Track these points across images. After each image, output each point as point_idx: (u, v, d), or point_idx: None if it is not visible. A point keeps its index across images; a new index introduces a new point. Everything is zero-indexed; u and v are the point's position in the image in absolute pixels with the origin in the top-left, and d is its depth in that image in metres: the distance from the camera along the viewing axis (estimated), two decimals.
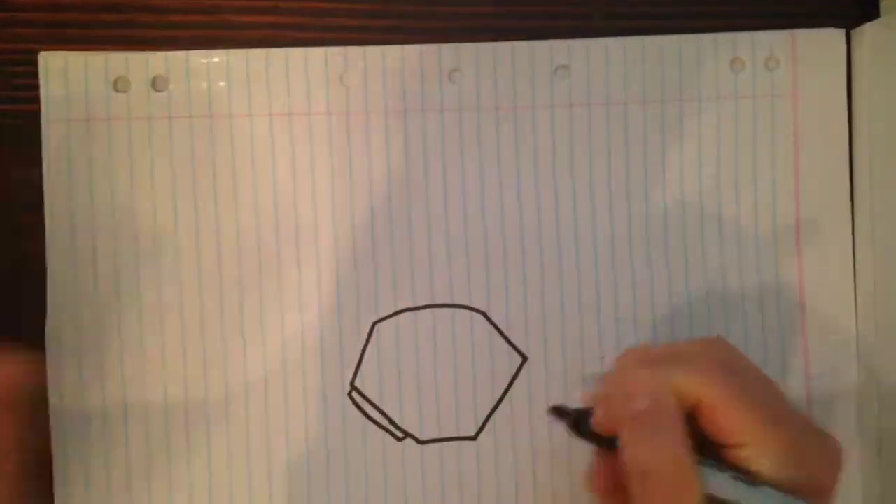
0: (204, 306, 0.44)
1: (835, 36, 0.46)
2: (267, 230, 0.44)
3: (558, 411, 0.40)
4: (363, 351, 0.44)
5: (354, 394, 0.44)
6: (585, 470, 0.40)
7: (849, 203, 0.46)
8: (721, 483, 0.35)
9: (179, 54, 0.44)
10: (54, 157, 0.44)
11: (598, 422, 0.38)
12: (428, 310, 0.45)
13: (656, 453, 0.35)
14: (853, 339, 0.46)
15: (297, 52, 0.44)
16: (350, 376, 0.44)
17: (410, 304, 0.45)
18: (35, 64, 0.44)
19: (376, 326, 0.45)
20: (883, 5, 0.46)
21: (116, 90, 0.44)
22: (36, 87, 0.44)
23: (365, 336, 0.44)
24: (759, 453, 0.35)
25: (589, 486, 0.40)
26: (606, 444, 0.38)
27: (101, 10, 0.45)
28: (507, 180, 0.45)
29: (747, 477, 0.35)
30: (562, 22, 0.46)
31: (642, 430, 0.36)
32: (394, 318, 0.45)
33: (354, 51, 0.44)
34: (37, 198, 0.44)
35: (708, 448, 0.36)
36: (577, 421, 0.40)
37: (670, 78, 0.45)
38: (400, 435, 0.45)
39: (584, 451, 0.44)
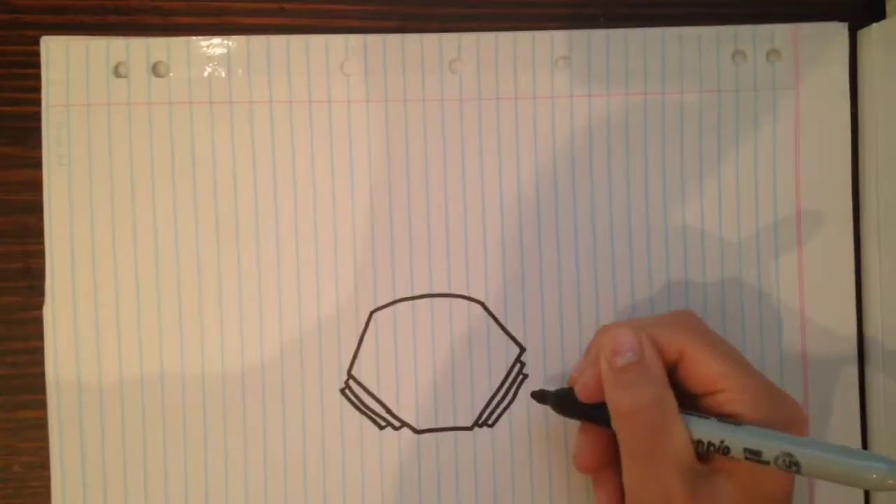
0: (201, 293, 0.44)
1: (837, 30, 0.46)
2: (265, 218, 0.44)
3: (541, 394, 0.43)
4: (360, 340, 0.44)
5: (352, 382, 0.44)
6: (574, 450, 0.42)
7: (850, 197, 0.46)
8: (707, 426, 0.37)
9: (180, 40, 0.44)
10: (54, 141, 0.44)
11: (583, 389, 0.40)
12: (426, 299, 0.45)
13: (639, 397, 0.37)
14: (853, 334, 0.46)
15: (298, 40, 0.44)
16: (347, 365, 0.44)
17: (408, 294, 0.45)
18: (38, 66, 0.44)
19: (374, 315, 0.44)
20: (889, 6, 0.46)
21: (117, 75, 0.44)
22: (37, 90, 0.44)
23: (363, 325, 0.44)
24: (737, 397, 0.38)
25: (575, 464, 0.42)
26: (591, 416, 0.40)
27: (107, 11, 0.45)
28: (507, 170, 0.45)
29: (729, 419, 0.37)
30: (566, 23, 0.46)
31: (625, 379, 0.38)
32: (391, 307, 0.45)
33: (355, 39, 0.45)
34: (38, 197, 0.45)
35: (687, 404, 0.39)
36: (560, 399, 0.42)
37: (671, 69, 0.45)
38: (397, 424, 0.44)
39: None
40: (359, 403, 0.44)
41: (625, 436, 0.38)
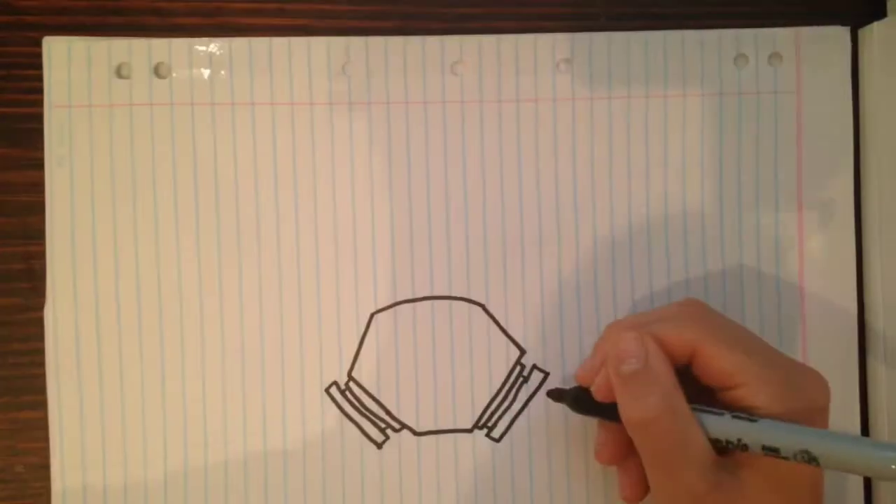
0: (202, 294, 0.44)
1: (839, 33, 0.46)
2: (266, 219, 0.44)
3: (556, 393, 0.43)
4: (361, 342, 0.44)
5: (352, 384, 0.44)
6: (595, 444, 0.42)
7: (852, 200, 0.46)
8: (722, 423, 0.37)
9: (182, 41, 0.44)
10: (56, 142, 0.44)
11: (598, 390, 0.40)
12: (426, 301, 0.45)
13: (649, 407, 0.37)
14: (854, 339, 0.46)
15: (299, 42, 0.44)
16: (348, 367, 0.44)
17: (409, 296, 0.45)
18: (39, 67, 0.44)
19: (375, 317, 0.44)
20: (890, 5, 0.46)
21: (119, 76, 0.44)
22: (39, 91, 0.44)
23: (363, 327, 0.44)
24: (755, 390, 0.37)
25: (597, 457, 0.42)
26: (609, 414, 0.40)
27: (106, 12, 0.45)
28: (509, 173, 0.45)
29: (746, 414, 0.37)
30: (568, 23, 0.46)
31: (633, 388, 0.38)
32: (392, 310, 0.45)
33: (357, 41, 0.45)
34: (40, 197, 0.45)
35: (705, 396, 0.39)
36: (577, 398, 0.42)
37: (673, 72, 0.45)
38: (397, 426, 0.44)
39: (579, 442, 0.45)
40: (359, 405, 0.44)
41: (640, 443, 0.38)
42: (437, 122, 0.45)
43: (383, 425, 0.44)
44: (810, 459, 0.34)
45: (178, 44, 0.44)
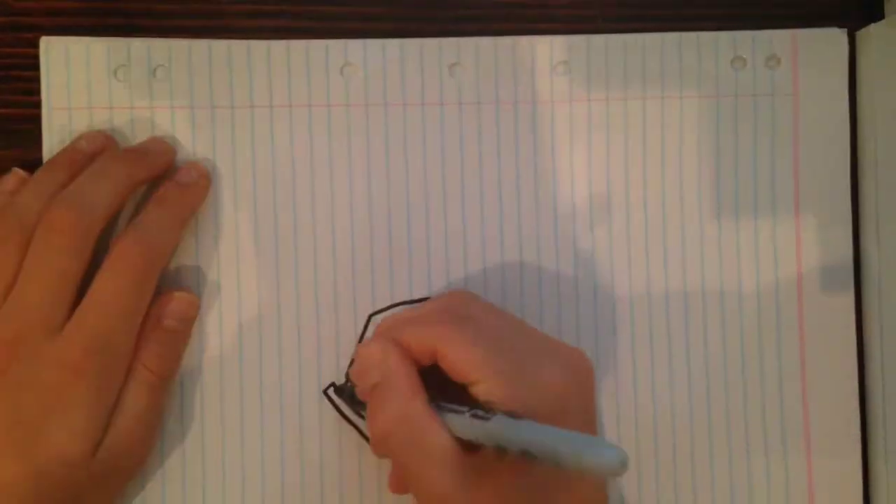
0: (200, 295, 0.44)
1: (836, 36, 0.46)
2: (264, 221, 0.44)
3: (339, 389, 0.42)
4: (359, 343, 0.44)
5: (349, 385, 0.44)
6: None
7: (849, 203, 0.46)
8: (463, 423, 0.35)
9: (181, 43, 0.44)
10: (56, 144, 0.44)
11: (360, 396, 0.41)
12: (424, 303, 0.44)
13: (388, 418, 0.37)
14: (852, 339, 0.46)
15: (298, 44, 0.44)
16: (346, 368, 0.44)
17: (407, 297, 0.45)
18: (36, 69, 0.44)
19: (372, 319, 0.44)
20: (888, 7, 0.46)
21: (118, 78, 0.44)
22: (36, 93, 0.44)
23: (361, 328, 0.44)
24: (492, 386, 0.36)
25: (389, 486, 0.42)
26: None
27: (104, 13, 0.45)
28: (506, 174, 0.45)
29: (484, 411, 0.35)
30: (565, 25, 0.46)
31: (376, 401, 0.38)
32: (390, 311, 0.44)
33: (355, 44, 0.45)
34: None
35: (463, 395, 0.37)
36: (353, 396, 0.42)
37: (670, 74, 0.45)
38: None
39: None
40: (357, 407, 0.44)
41: (389, 454, 0.39)
42: (435, 125, 0.45)
43: None
44: (532, 456, 0.32)
45: (178, 46, 0.44)
